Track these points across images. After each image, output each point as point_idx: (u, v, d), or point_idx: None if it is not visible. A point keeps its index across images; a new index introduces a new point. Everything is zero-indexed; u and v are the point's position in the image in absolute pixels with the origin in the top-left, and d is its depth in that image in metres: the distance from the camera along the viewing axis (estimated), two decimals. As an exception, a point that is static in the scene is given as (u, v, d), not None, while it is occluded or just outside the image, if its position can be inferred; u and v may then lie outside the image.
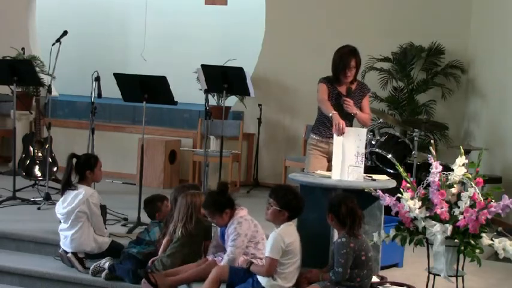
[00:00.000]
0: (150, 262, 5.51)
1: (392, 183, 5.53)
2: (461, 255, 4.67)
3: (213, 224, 6.04)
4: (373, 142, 7.37)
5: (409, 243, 4.79)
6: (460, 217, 4.56)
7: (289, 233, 4.94)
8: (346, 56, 5.95)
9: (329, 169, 5.98)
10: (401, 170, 4.92)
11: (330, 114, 5.78)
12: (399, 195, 4.74)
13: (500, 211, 4.51)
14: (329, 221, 4.89)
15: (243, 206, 5.40)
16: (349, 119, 5.97)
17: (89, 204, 5.83)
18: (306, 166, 6.23)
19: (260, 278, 4.94)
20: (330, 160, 6.00)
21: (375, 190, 4.88)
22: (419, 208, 4.65)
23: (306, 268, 5.16)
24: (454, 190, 4.69)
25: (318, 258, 5.23)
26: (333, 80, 6.02)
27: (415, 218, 4.66)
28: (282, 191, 5.02)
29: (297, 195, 5.04)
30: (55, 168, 8.23)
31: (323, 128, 6.06)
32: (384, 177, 5.81)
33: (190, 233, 5.44)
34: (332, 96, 6.00)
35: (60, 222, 5.92)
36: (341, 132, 5.57)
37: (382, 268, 5.59)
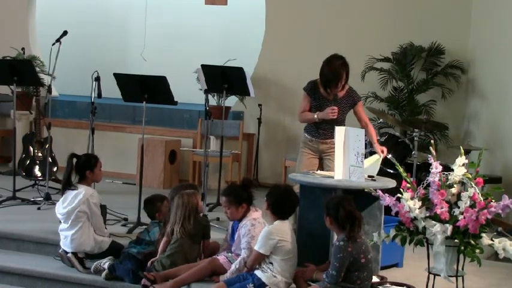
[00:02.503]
0: (149, 263, 5.50)
1: (392, 183, 5.53)
2: (461, 255, 4.67)
3: (211, 224, 6.06)
4: (373, 142, 7.37)
5: (409, 243, 4.79)
6: (460, 217, 4.56)
7: (280, 230, 5.02)
8: (339, 70, 6.00)
9: (319, 168, 6.04)
10: (401, 170, 4.92)
11: (315, 116, 6.06)
12: (399, 195, 4.74)
13: (500, 211, 4.51)
14: (327, 224, 4.89)
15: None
16: (335, 124, 6.02)
17: (89, 204, 5.83)
18: (297, 164, 6.35)
19: (260, 275, 4.96)
20: (321, 159, 6.14)
21: (375, 190, 4.88)
22: (419, 208, 4.65)
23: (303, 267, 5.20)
24: (454, 190, 4.69)
25: (317, 258, 5.24)
26: (320, 85, 6.10)
27: (415, 218, 4.67)
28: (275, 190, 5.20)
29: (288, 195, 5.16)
30: (55, 168, 8.23)
31: (316, 129, 6.15)
32: (375, 156, 5.89)
33: (189, 233, 5.44)
34: (317, 100, 6.11)
35: (60, 222, 5.92)
36: (334, 114, 5.94)
37: (382, 268, 5.59)
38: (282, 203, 5.10)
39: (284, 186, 5.35)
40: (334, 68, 5.99)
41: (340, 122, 6.10)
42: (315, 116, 6.07)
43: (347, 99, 6.13)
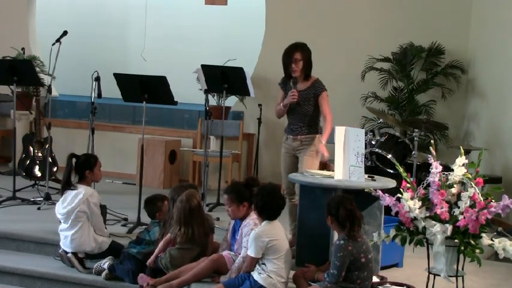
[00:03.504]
0: (151, 262, 5.48)
1: (392, 183, 5.53)
2: (461, 255, 4.67)
3: (216, 225, 6.06)
4: (373, 142, 7.38)
5: (409, 243, 4.79)
6: (460, 217, 4.56)
7: (269, 230, 5.00)
8: (290, 50, 6.05)
9: (294, 165, 6.03)
10: (401, 170, 4.92)
11: (281, 106, 6.07)
12: (399, 195, 4.74)
13: (500, 211, 4.51)
14: (328, 223, 4.90)
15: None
16: (303, 118, 6.02)
17: (89, 203, 5.84)
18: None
19: (256, 277, 4.96)
20: (296, 156, 6.09)
21: (375, 190, 4.88)
22: (419, 208, 4.65)
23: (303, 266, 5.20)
24: (454, 190, 4.69)
25: (318, 258, 5.25)
26: (289, 77, 6.10)
27: (415, 218, 4.66)
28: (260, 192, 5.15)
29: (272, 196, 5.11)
30: (55, 168, 8.23)
31: (289, 125, 6.14)
32: (327, 172, 5.80)
33: (195, 234, 5.45)
34: (286, 92, 6.10)
35: (60, 222, 5.92)
36: (293, 97, 5.90)
37: (382, 268, 5.59)
38: (268, 204, 5.05)
39: (270, 187, 5.26)
40: (287, 51, 6.05)
41: (306, 113, 6.01)
42: (281, 104, 6.08)
43: (311, 89, 6.04)
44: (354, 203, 4.83)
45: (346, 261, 4.68)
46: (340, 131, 5.55)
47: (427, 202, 4.68)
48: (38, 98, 8.40)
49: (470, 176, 4.68)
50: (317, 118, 6.08)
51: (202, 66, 7.47)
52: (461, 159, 4.73)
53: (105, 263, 5.66)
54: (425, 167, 6.66)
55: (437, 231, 4.56)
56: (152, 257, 5.49)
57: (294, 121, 6.09)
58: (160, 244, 5.53)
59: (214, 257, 5.34)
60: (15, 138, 7.90)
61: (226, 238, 5.59)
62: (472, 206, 4.56)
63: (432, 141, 5.44)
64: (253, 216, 5.29)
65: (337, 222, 4.81)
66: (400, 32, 8.79)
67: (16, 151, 7.96)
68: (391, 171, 7.07)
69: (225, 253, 5.38)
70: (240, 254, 5.28)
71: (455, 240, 4.58)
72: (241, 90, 7.57)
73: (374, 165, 7.30)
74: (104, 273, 5.60)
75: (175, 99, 6.73)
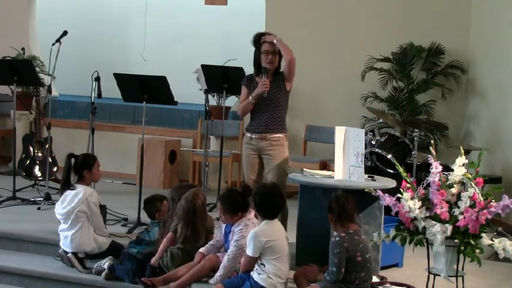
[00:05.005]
0: (156, 260, 5.48)
1: (392, 183, 5.53)
2: (461, 255, 4.67)
3: (216, 226, 6.06)
4: (373, 142, 7.38)
5: (409, 243, 4.80)
6: (460, 217, 4.56)
7: (267, 230, 4.99)
8: (264, 43, 5.98)
9: (260, 166, 5.97)
10: (401, 170, 4.92)
11: (250, 99, 5.92)
12: (399, 195, 4.74)
13: (500, 211, 4.51)
14: (330, 222, 4.92)
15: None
16: (271, 114, 5.94)
17: (89, 203, 5.84)
18: (243, 167, 6.20)
19: (256, 277, 4.96)
20: (260, 157, 5.98)
21: (375, 190, 4.88)
22: (419, 208, 4.65)
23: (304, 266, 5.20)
24: (454, 190, 4.69)
25: (318, 258, 5.25)
26: (255, 73, 6.03)
27: (415, 218, 4.67)
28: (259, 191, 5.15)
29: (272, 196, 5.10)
30: (55, 168, 8.23)
31: (254, 122, 6.02)
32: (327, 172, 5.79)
33: (197, 233, 5.46)
34: (254, 88, 5.99)
35: (60, 222, 5.92)
36: (266, 85, 5.80)
37: (382, 268, 5.59)
38: (266, 203, 5.04)
39: (270, 186, 5.25)
40: (262, 41, 6.02)
41: (274, 108, 5.92)
42: (250, 97, 5.94)
43: (277, 76, 5.97)
44: (350, 198, 4.87)
45: (344, 258, 4.70)
46: (340, 131, 5.55)
47: (427, 202, 4.69)
48: (38, 98, 8.41)
49: (470, 176, 4.69)
50: (284, 115, 5.98)
51: (202, 66, 7.47)
52: (461, 159, 4.73)
53: (105, 263, 5.66)
54: (425, 167, 6.66)
55: (437, 231, 4.57)
56: (156, 256, 5.48)
57: (260, 118, 5.95)
58: (163, 243, 5.53)
59: (212, 258, 5.33)
60: (15, 138, 7.90)
61: (217, 238, 5.58)
62: (472, 206, 4.56)
63: (432, 141, 5.44)
64: (245, 218, 5.27)
65: (334, 218, 4.85)
66: (400, 32, 8.78)
67: (16, 151, 7.96)
68: (391, 171, 7.07)
69: (220, 254, 5.37)
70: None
71: (455, 240, 4.59)
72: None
73: (374, 165, 7.30)
74: (103, 273, 5.60)
75: (175, 99, 6.73)
